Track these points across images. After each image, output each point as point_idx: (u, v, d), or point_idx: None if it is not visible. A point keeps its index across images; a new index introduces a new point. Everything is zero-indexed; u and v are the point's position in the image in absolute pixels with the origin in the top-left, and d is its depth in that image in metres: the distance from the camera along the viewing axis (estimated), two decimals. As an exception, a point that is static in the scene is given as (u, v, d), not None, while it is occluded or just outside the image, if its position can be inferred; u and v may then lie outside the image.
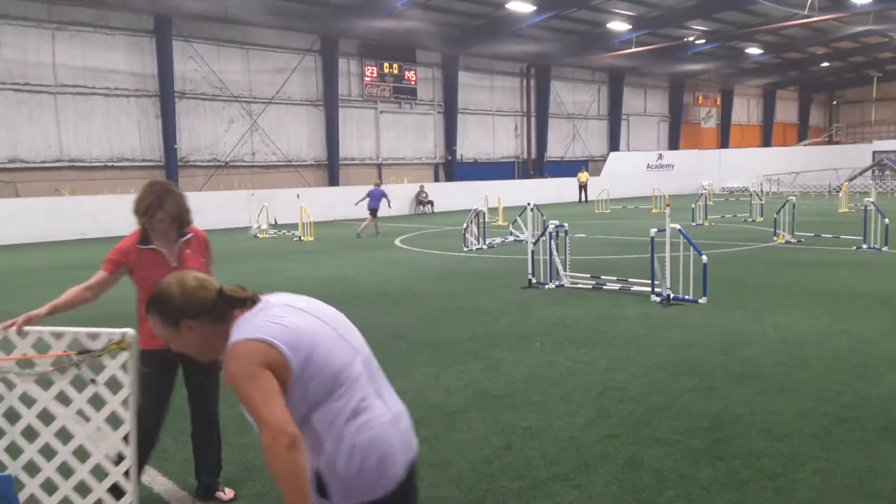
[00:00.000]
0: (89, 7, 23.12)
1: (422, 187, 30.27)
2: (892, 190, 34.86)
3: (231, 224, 23.57)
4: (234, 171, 27.27)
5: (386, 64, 31.24)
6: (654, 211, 25.95)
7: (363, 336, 2.21)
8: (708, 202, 22.50)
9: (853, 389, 5.23)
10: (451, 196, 30.52)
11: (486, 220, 17.05)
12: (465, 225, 15.49)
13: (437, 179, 33.81)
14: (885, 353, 6.15)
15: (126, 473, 3.12)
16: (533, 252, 10.27)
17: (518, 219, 16.07)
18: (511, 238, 16.61)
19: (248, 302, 1.98)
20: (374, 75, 30.92)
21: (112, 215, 22.14)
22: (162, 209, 3.48)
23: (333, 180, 29.76)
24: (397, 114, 32.37)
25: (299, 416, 1.85)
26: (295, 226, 20.62)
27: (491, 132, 36.29)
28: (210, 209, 22.55)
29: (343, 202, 27.64)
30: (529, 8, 28.01)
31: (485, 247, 15.42)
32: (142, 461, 3.42)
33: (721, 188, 40.24)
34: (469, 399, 5.27)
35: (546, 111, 37.43)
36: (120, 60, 24.36)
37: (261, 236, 20.06)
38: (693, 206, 20.81)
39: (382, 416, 1.96)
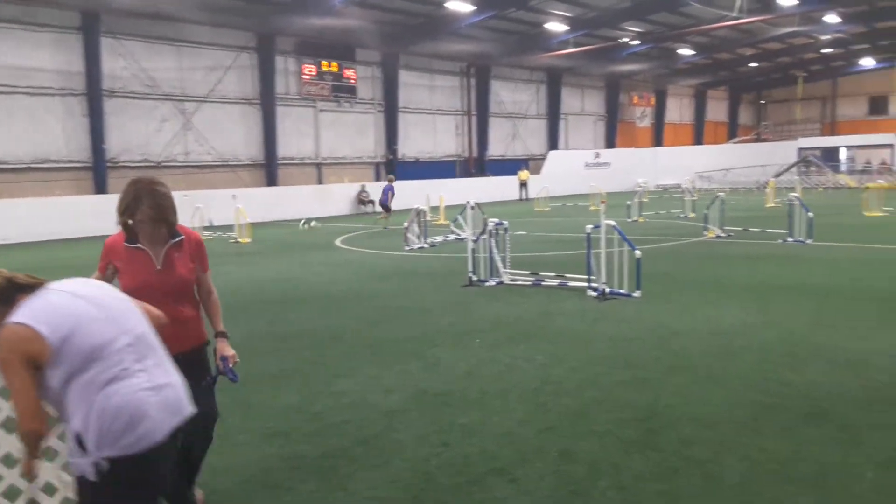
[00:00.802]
0: (13, 3, 22.03)
1: (363, 186, 30.06)
2: (816, 185, 36.55)
3: (165, 226, 22.83)
4: (166, 171, 26.41)
5: (325, 62, 30.84)
6: (591, 208, 26.45)
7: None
8: (643, 199, 23.09)
9: (779, 378, 5.44)
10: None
11: (428, 218, 17.04)
12: (406, 224, 15.45)
13: (378, 178, 33.60)
14: (810, 343, 6.43)
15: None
16: (473, 250, 10.33)
17: (459, 217, 16.13)
18: (452, 236, 16.67)
19: (33, 288, 2.29)
20: (313, 73, 30.49)
21: (37, 219, 21.17)
22: (140, 209, 3.21)
23: (272, 180, 29.23)
24: (337, 112, 32.01)
25: (60, 383, 2.18)
26: (231, 227, 20.16)
27: (432, 131, 36.33)
28: (143, 211, 21.82)
29: (281, 203, 27.22)
30: (469, 7, 28.16)
31: (426, 246, 15.42)
32: None
33: (656, 185, 41.35)
34: (408, 398, 5.25)
35: (486, 110, 37.71)
36: (45, 58, 23.29)
37: (310, 227, 20.43)
38: (628, 203, 21.32)
39: (138, 385, 2.24)
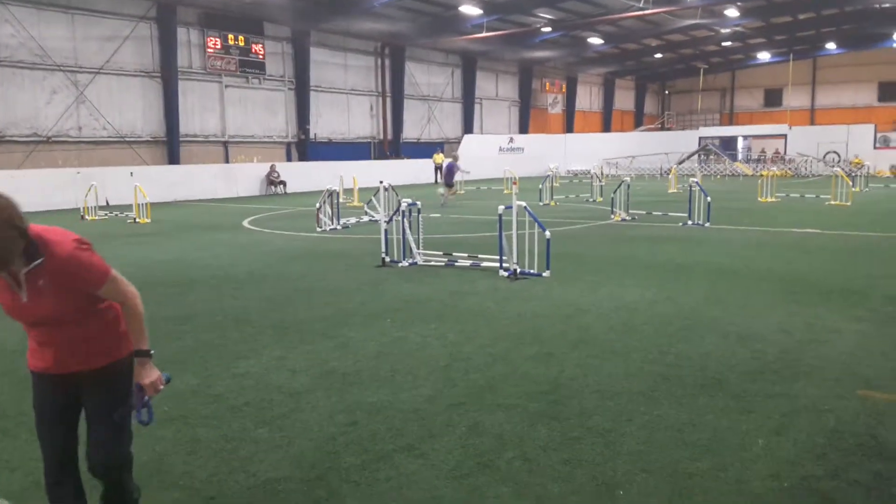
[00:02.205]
0: None
1: (273, 167, 29.22)
2: (715, 173, 38.49)
3: (56, 205, 21.45)
4: (57, 146, 24.78)
5: (231, 35, 29.62)
6: (505, 192, 26.80)
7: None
8: (554, 183, 23.60)
9: (676, 351, 5.66)
10: (304, 176, 29.70)
11: (342, 200, 16.74)
12: (318, 205, 15.12)
13: (289, 159, 32.78)
14: (705, 318, 6.73)
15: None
16: (386, 231, 10.21)
17: (373, 198, 15.94)
18: (366, 218, 16.46)
19: None
20: (218, 47, 29.23)
21: None
22: None
23: (173, 158, 27.90)
24: (245, 89, 30.88)
25: None
26: (129, 207, 19.12)
27: (346, 111, 35.72)
28: (32, 189, 20.43)
29: (185, 182, 26.06)
30: (383, -14, 27.76)
31: (339, 227, 15.15)
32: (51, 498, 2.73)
33: (567, 171, 42.45)
34: (315, 378, 5.12)
35: (401, 92, 37.43)
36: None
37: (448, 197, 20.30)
38: (540, 186, 21.72)
39: None
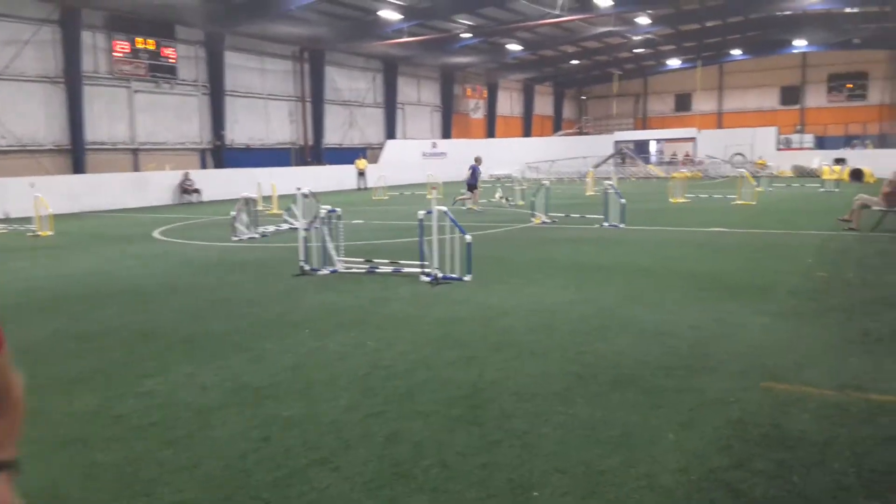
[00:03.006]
0: None
1: (186, 174, 28.21)
2: (630, 175, 39.81)
3: (-50, 219, 19.99)
4: (-48, 157, 23.17)
5: (139, 39, 28.43)
6: (428, 196, 26.84)
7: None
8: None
9: (592, 350, 5.77)
10: (220, 184, 28.79)
11: (260, 207, 16.33)
12: (233, 213, 14.68)
13: (204, 166, 31.73)
14: (620, 317, 6.90)
15: None
16: (306, 239, 10.00)
17: (292, 206, 15.60)
18: (285, 226, 16.11)
19: None
20: (126, 51, 28.01)
21: None
22: None
23: (79, 167, 26.49)
24: (155, 94, 29.69)
25: None
26: (31, 220, 18.04)
27: (264, 117, 34.93)
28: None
29: (91, 191, 24.83)
30: (299, -11, 27.34)
31: (257, 236, 14.76)
32: None
33: (489, 175, 42.92)
34: (227, 394, 4.92)
35: (322, 97, 36.94)
36: None
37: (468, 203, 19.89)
38: (462, 191, 21.84)
39: None
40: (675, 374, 5.09)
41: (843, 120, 48.75)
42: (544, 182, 18.00)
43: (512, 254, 11.52)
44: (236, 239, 14.29)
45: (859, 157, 34.42)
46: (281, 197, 22.42)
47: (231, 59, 32.31)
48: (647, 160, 44.43)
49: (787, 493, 3.30)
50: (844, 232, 12.99)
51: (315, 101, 36.79)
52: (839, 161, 33.69)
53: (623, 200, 15.24)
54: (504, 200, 21.76)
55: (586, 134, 56.91)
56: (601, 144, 46.06)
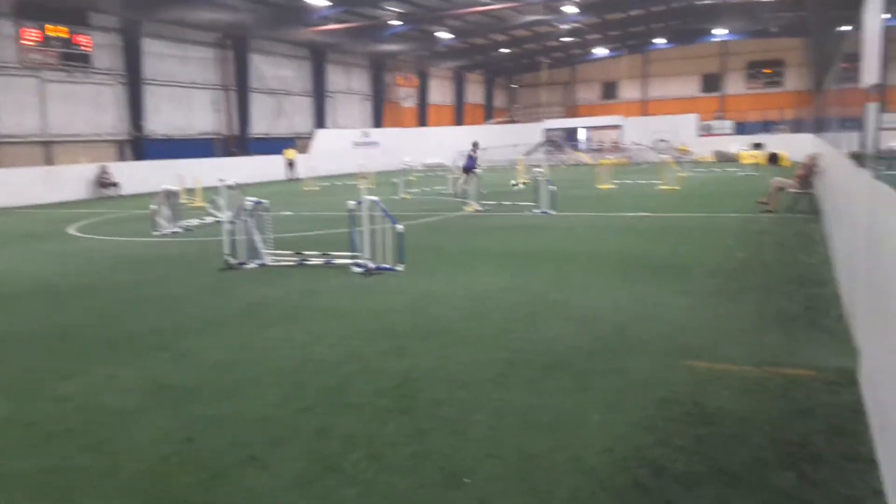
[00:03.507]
0: None
1: (104, 167, 26.96)
2: (559, 163, 40.48)
3: None
4: None
5: (50, 26, 26.88)
6: (360, 186, 26.58)
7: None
8: (409, 177, 23.73)
9: (523, 336, 5.83)
10: (141, 176, 27.58)
11: (183, 200, 15.78)
12: (154, 207, 14.14)
13: (122, 158, 30.40)
14: (551, 302, 7.01)
15: None
16: (231, 232, 9.73)
17: (216, 198, 15.14)
18: (209, 219, 15.63)
19: None
20: (36, 39, 26.45)
21: None
22: None
23: (-14, 162, 25.00)
24: (68, 83, 28.17)
25: None
26: (-63, 217, 16.90)
27: (186, 106, 33.71)
28: None
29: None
30: (220, -25, 26.45)
31: (180, 230, 14.26)
32: None
33: (422, 164, 42.86)
34: (148, 396, 4.74)
35: (247, 85, 35.94)
36: None
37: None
38: (395, 181, 21.74)
39: None
40: (603, 356, 5.21)
41: (761, 106, 50.89)
42: (476, 170, 18.09)
43: (444, 242, 11.53)
44: (158, 234, 13.77)
45: (776, 142, 36.09)
46: (205, 189, 21.73)
47: (150, 46, 31.02)
48: (575, 147, 45.28)
49: (708, 468, 3.42)
50: (762, 214, 13.59)
51: (240, 89, 35.78)
52: (757, 146, 35.23)
53: (553, 187, 15.47)
54: (520, 185, 21.98)
55: (517, 122, 57.52)
56: (532, 132, 46.63)
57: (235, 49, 35.41)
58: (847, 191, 7.30)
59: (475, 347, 5.53)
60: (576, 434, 3.85)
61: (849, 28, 9.21)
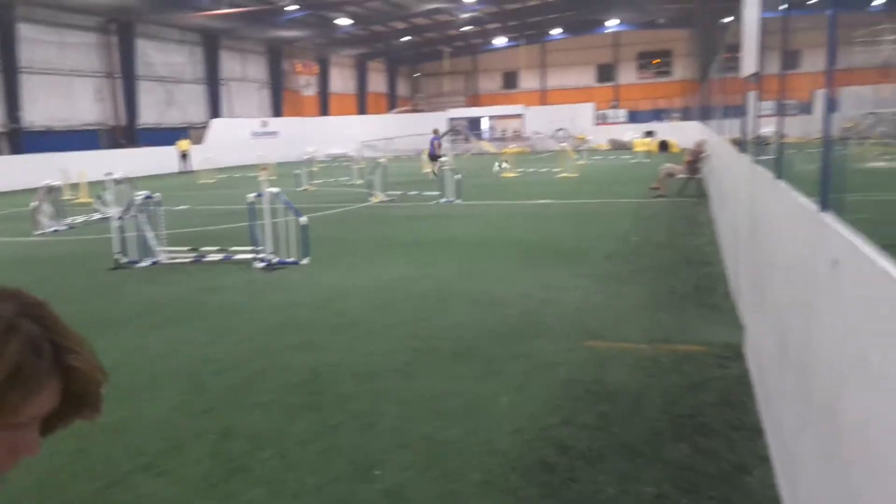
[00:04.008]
0: None
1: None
2: (464, 152, 40.87)
3: None
4: None
5: None
6: (260, 178, 25.80)
7: None
8: (312, 168, 23.26)
9: (432, 324, 5.85)
10: (18, 171, 25.53)
11: (66, 196, 14.77)
12: (35, 204, 13.15)
13: None
14: (458, 289, 7.06)
15: None
16: (121, 228, 9.19)
17: (103, 193, 14.28)
18: (97, 215, 14.71)
19: None
20: None
21: None
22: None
23: None
24: (-67, 71, 25.73)
25: None
26: None
27: (68, 95, 31.47)
28: None
29: None
30: (101, -45, 24.80)
31: (63, 228, 13.34)
32: None
33: (326, 154, 42.14)
34: (33, 404, 4.40)
35: (133, 73, 33.95)
36: None
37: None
38: (297, 171, 21.25)
39: None
40: (509, 340, 5.31)
41: (651, 95, 53.22)
42: (381, 160, 17.96)
43: (350, 234, 11.39)
44: (39, 232, 12.82)
45: (666, 130, 37.93)
46: (91, 184, 20.43)
47: (25, 31, 28.71)
48: (479, 136, 45.83)
49: (609, 443, 3.55)
50: (654, 199, 14.26)
51: (126, 77, 33.76)
52: (649, 134, 36.91)
53: (458, 176, 15.60)
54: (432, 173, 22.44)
55: (421, 111, 57.53)
56: (436, 121, 46.76)
57: (120, 34, 33.37)
58: (730, 175, 7.77)
59: (384, 338, 5.49)
60: (485, 418, 3.90)
61: (730, 20, 9.77)
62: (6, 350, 0.74)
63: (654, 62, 55.85)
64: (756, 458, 3.32)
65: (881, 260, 1.63)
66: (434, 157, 22.38)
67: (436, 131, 24.24)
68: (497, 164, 24.31)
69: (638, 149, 29.48)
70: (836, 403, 1.98)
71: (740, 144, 6.81)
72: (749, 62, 5.52)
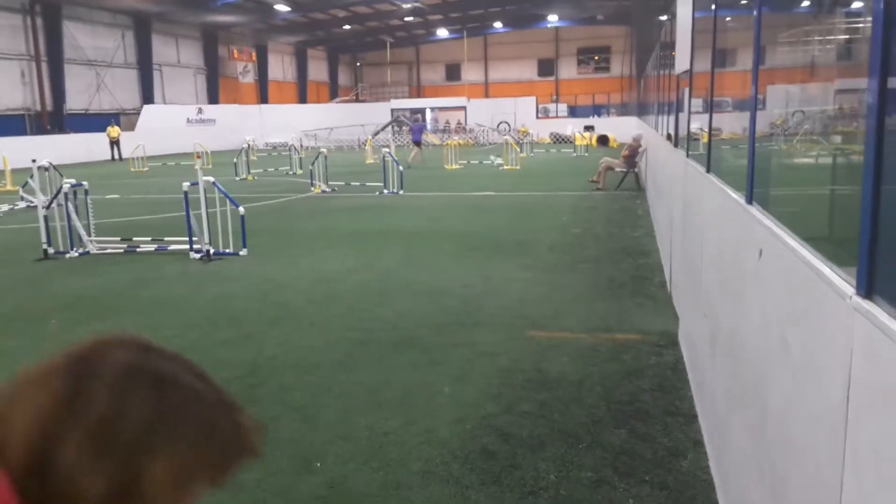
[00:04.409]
0: None
1: None
2: (407, 143, 40.76)
3: None
4: None
5: None
6: (196, 167, 25.08)
7: None
8: (251, 157, 22.75)
9: (373, 315, 5.82)
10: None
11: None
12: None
13: (-86, 137, 26.46)
14: (399, 280, 7.05)
15: None
16: (47, 218, 8.79)
17: (30, 181, 13.61)
18: (22, 204, 14.03)
19: None
20: None
21: None
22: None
23: None
24: None
25: None
26: None
27: (-11, 78, 29.86)
28: None
29: None
30: (23, -70, 23.51)
31: (-13, 216, 12.69)
32: None
33: (265, 143, 41.28)
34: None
35: (60, 56, 32.40)
36: None
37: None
38: (235, 160, 20.76)
39: None
40: (450, 330, 5.33)
41: (591, 90, 54.17)
42: (322, 150, 17.72)
43: (291, 225, 11.21)
44: (-41, 221, 12.15)
45: (605, 125, 38.70)
46: (15, 171, 19.46)
47: (-62, 7, 27.05)
48: (422, 128, 45.73)
49: (550, 430, 3.61)
50: (594, 192, 14.54)
51: (52, 60, 32.19)
52: (588, 128, 37.57)
53: (401, 168, 15.53)
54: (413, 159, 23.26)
55: (363, 101, 56.98)
56: (378, 112, 46.43)
57: (45, 16, 31.77)
58: (665, 169, 7.99)
59: (324, 330, 5.43)
60: (427, 408, 3.91)
61: (665, 18, 10.02)
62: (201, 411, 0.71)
63: (594, 58, 56.85)
64: (690, 443, 3.44)
65: (801, 249, 1.71)
66: (418, 143, 24.93)
67: (417, 119, 27.09)
68: (492, 157, 25.09)
69: (578, 143, 30.02)
70: (761, 387, 2.07)
71: (674, 140, 7.01)
72: (682, 60, 5.68)
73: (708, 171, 3.95)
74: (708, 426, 3.38)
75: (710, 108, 4.27)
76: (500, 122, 42.48)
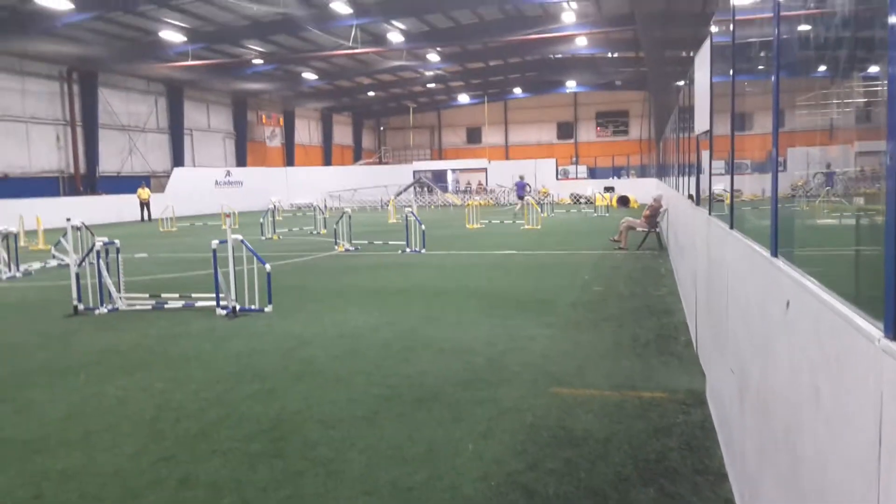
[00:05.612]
0: None
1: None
2: (429, 203, 41.27)
3: None
4: None
5: None
6: (223, 227, 25.59)
7: None
8: (277, 217, 23.19)
9: (396, 371, 5.83)
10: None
11: (23, 243, 14.40)
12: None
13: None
14: (422, 337, 7.06)
15: None
16: (78, 275, 9.01)
17: (62, 240, 13.99)
18: (54, 262, 14.38)
19: None
20: None
21: None
22: None
23: None
24: None
25: None
26: None
27: (25, 142, 30.99)
28: None
29: None
30: (66, 5, 24.83)
31: (19, 274, 12.99)
32: None
33: (290, 204, 42.10)
34: (-19, 454, 4.23)
35: (95, 121, 33.69)
36: None
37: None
38: (261, 220, 21.17)
39: None
40: (474, 387, 5.31)
41: (610, 153, 54.81)
42: (346, 210, 18.04)
43: (315, 282, 11.33)
44: (-7, 278, 12.46)
45: (625, 186, 38.96)
46: (48, 231, 20.03)
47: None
48: (444, 189, 46.40)
49: (576, 488, 3.56)
50: (615, 251, 14.56)
51: (87, 125, 33.48)
52: (608, 189, 37.84)
53: (423, 227, 15.73)
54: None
55: (386, 163, 58.09)
56: (401, 173, 47.29)
57: (82, 83, 33.21)
58: (687, 228, 8.02)
59: (347, 386, 5.44)
60: (451, 464, 3.88)
61: (682, 83, 10.24)
62: None
63: (612, 122, 57.67)
64: (720, 501, 3.37)
65: (829, 297, 1.74)
66: (521, 198, 28.55)
67: (521, 177, 31.73)
68: (514, 213, 27.09)
69: (598, 203, 30.25)
70: (792, 437, 2.06)
71: (696, 199, 7.07)
72: (701, 121, 5.80)
73: (731, 227, 3.98)
74: (738, 484, 3.31)
75: (732, 169, 4.34)
76: (520, 176, 42.77)
